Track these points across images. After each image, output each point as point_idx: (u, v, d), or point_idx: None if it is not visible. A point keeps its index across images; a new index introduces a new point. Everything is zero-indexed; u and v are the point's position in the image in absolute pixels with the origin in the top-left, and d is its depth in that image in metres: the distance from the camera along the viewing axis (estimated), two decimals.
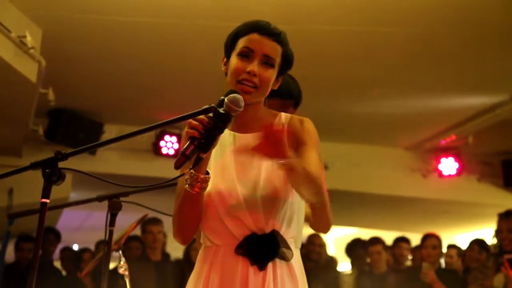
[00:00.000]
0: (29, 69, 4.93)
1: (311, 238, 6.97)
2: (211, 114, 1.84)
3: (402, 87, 6.37)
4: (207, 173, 1.93)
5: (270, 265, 1.97)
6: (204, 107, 1.85)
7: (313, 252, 6.86)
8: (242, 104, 1.84)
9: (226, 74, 2.10)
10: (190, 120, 1.83)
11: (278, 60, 2.06)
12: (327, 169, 7.84)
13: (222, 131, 1.85)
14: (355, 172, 8.15)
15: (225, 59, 2.12)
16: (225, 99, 1.83)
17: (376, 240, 6.84)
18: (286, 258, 2.00)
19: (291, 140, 2.02)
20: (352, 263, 7.23)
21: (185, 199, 1.96)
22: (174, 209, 2.03)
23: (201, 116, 1.84)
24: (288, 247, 2.01)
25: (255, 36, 2.03)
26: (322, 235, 7.09)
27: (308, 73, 5.77)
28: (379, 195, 8.50)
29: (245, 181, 2.00)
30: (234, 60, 2.04)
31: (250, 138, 2.04)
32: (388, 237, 7.76)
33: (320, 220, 2.19)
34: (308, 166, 1.92)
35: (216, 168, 2.03)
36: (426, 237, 6.37)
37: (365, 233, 9.15)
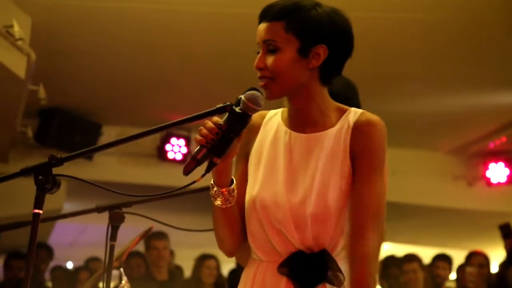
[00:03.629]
0: (16, 63, 4.96)
1: None
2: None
3: (444, 82, 6.35)
4: (232, 182, 1.94)
5: None
6: (218, 106, 1.86)
7: None
8: (261, 102, 1.85)
9: None
10: (201, 127, 1.84)
11: (283, 39, 1.95)
12: None
13: (239, 133, 1.85)
14: (390, 180, 7.95)
15: None
16: (242, 97, 1.84)
17: (411, 258, 6.82)
18: (336, 283, 1.96)
19: (353, 143, 1.99)
20: (384, 283, 7.21)
21: (215, 212, 2.00)
22: None
23: (211, 122, 1.84)
24: (339, 270, 1.97)
25: (259, 27, 2.01)
26: None
27: None
28: (416, 206, 8.47)
29: (294, 189, 1.98)
30: None
31: (304, 140, 2.02)
32: (427, 254, 7.73)
33: None
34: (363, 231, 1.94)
35: (266, 170, 2.02)
36: (472, 255, 6.35)
37: (400, 250, 9.12)
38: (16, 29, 4.71)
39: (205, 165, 1.85)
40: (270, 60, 1.95)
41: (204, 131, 1.83)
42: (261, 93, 1.88)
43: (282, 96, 2.02)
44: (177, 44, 5.57)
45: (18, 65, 4.98)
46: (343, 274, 1.97)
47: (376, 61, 5.83)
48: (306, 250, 1.96)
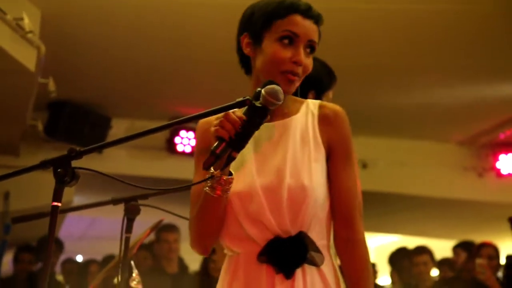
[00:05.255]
0: (26, 56, 4.97)
1: None
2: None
3: (454, 74, 6.33)
4: (230, 174, 1.94)
5: (298, 272, 1.97)
6: (238, 100, 1.86)
7: None
8: (282, 96, 1.85)
9: (249, 56, 2.10)
10: (222, 120, 1.83)
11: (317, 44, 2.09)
12: (367, 168, 7.83)
13: (258, 127, 1.85)
14: (400, 171, 8.11)
15: (248, 38, 2.10)
16: (262, 91, 1.83)
17: (422, 250, 6.83)
18: (316, 263, 2.00)
19: (324, 133, 2.07)
20: (395, 276, 7.21)
21: (205, 204, 1.98)
22: (190, 215, 2.05)
23: (234, 115, 1.83)
24: (318, 250, 2.00)
25: (298, 18, 2.02)
26: None
27: (346, 59, 5.77)
28: (427, 197, 8.46)
29: (266, 172, 2.01)
30: (274, 46, 2.03)
31: (271, 128, 2.06)
32: (437, 246, 7.72)
33: None
34: (347, 200, 2.03)
35: (235, 164, 2.00)
36: (481, 246, 6.33)
37: (410, 242, 9.12)
38: (26, 21, 4.71)
39: None
40: (307, 60, 2.04)
41: (228, 124, 1.82)
42: (279, 86, 1.88)
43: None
44: (190, 36, 5.54)
45: (28, 58, 4.98)
46: (321, 254, 2.01)
47: (386, 53, 5.82)
48: (283, 234, 1.98)
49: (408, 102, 7.07)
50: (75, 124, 7.12)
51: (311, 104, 2.13)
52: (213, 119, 1.97)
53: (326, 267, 2.02)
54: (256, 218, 1.98)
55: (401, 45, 5.67)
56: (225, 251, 2.11)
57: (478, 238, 7.68)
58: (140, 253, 6.39)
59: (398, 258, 7.19)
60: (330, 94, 3.06)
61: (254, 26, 2.08)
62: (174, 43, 5.74)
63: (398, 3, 4.94)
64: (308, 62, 2.05)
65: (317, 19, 2.06)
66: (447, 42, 5.61)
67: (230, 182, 1.92)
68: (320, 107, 2.11)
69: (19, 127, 6.58)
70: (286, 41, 2.02)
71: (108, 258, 7.65)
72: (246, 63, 2.15)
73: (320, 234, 2.03)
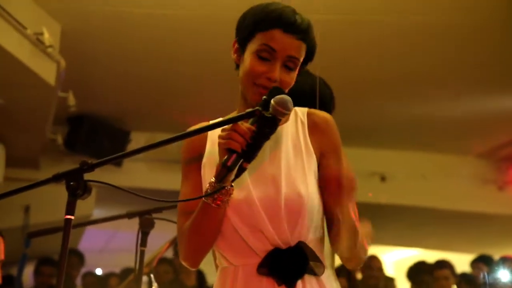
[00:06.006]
0: (46, 70, 5.01)
1: (369, 261, 6.91)
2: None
3: (474, 86, 6.29)
4: (231, 184, 1.91)
5: (299, 282, 1.95)
6: (247, 111, 1.85)
7: (371, 277, 6.81)
8: (291, 106, 1.83)
9: (236, 64, 2.09)
10: (230, 132, 1.82)
11: (301, 59, 2.03)
12: (386, 181, 7.78)
13: (268, 138, 1.84)
14: (419, 184, 8.06)
15: (236, 45, 2.09)
16: (272, 101, 1.82)
17: (443, 264, 6.76)
18: (316, 273, 1.97)
19: (315, 142, 2.05)
20: None
21: (203, 215, 1.94)
22: (183, 227, 2.01)
23: (244, 126, 1.82)
24: (318, 260, 1.98)
25: (278, 33, 1.97)
26: (380, 257, 7.04)
27: (362, 71, 5.76)
28: (446, 210, 8.40)
29: (262, 183, 1.98)
30: (250, 58, 2.00)
31: None
32: (457, 260, 7.65)
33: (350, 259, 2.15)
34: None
35: None
36: (503, 260, 6.26)
37: (429, 256, 9.04)
38: (46, 36, 4.75)
39: None
40: (287, 77, 1.99)
41: (238, 136, 1.81)
42: (286, 94, 1.87)
43: None
44: (206, 50, 5.56)
45: (48, 72, 5.02)
46: (322, 263, 2.00)
47: (405, 64, 5.80)
48: (283, 245, 1.95)
49: (428, 115, 7.03)
50: (94, 138, 7.15)
51: (299, 112, 2.12)
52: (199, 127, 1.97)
53: (325, 277, 2.01)
54: (256, 228, 1.95)
55: (420, 57, 5.65)
56: (218, 262, 2.08)
57: (498, 252, 7.61)
58: (161, 267, 6.39)
59: (418, 272, 7.13)
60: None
61: (241, 33, 2.06)
62: (192, 58, 5.77)
63: (419, 15, 4.92)
64: (288, 78, 1.99)
65: (303, 33, 1.99)
66: (466, 53, 5.59)
67: (231, 193, 1.90)
68: (309, 115, 2.10)
69: (39, 141, 6.62)
70: (263, 54, 1.98)
71: (127, 271, 7.66)
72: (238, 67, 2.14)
73: (318, 243, 2.02)
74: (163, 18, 5.08)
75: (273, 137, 1.96)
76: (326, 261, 2.05)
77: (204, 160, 2.07)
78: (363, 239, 2.02)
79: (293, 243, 1.96)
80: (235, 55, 2.09)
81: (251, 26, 2.02)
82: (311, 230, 1.99)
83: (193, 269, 2.12)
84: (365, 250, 2.06)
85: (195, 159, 2.09)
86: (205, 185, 2.00)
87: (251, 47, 2.01)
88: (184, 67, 5.97)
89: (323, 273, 2.00)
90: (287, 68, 1.99)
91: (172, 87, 6.48)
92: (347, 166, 2.07)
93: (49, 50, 4.86)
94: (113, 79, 6.33)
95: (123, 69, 6.06)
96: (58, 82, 5.24)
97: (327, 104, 2.88)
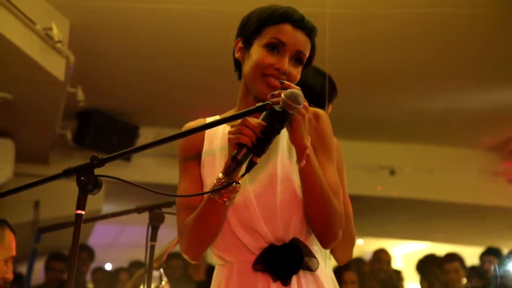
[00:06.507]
0: (56, 66, 5.01)
1: (378, 254, 6.91)
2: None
3: (483, 79, 6.27)
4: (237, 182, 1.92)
5: (293, 278, 1.96)
6: (258, 105, 1.85)
7: (380, 271, 6.81)
8: (302, 100, 1.83)
9: (239, 60, 2.11)
10: (240, 126, 1.82)
11: (307, 56, 2.07)
12: (395, 175, 7.77)
13: (278, 132, 1.84)
14: (428, 177, 8.05)
15: (241, 43, 2.11)
16: (282, 95, 1.81)
17: (452, 257, 6.75)
18: (311, 268, 1.99)
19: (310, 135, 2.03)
20: (425, 283, 7.13)
21: (208, 210, 1.95)
22: (186, 221, 2.02)
23: (254, 122, 1.82)
24: (312, 255, 2.00)
25: (288, 27, 2.01)
26: (389, 250, 7.04)
27: (371, 64, 5.74)
28: (455, 204, 8.38)
29: (258, 180, 1.99)
30: (259, 51, 2.02)
31: None
32: (466, 253, 7.63)
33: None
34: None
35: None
36: None
37: (438, 249, 9.03)
38: (55, 31, 4.75)
39: None
40: (295, 70, 2.03)
41: (248, 130, 1.81)
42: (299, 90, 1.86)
43: None
44: (213, 45, 5.53)
45: (58, 68, 5.02)
46: (316, 259, 2.01)
47: (414, 58, 5.78)
48: (277, 242, 1.97)
49: (436, 108, 7.01)
50: (103, 133, 7.16)
51: None
52: (197, 123, 2.02)
53: (320, 271, 2.02)
54: (250, 226, 1.96)
55: (429, 51, 5.62)
56: (215, 260, 2.10)
57: (507, 245, 7.60)
58: (173, 262, 6.41)
59: (428, 265, 7.11)
60: (330, 107, 3.01)
61: (247, 31, 2.09)
62: (200, 53, 5.76)
63: (422, 8, 4.90)
64: (295, 72, 2.03)
65: (309, 31, 2.05)
66: (475, 46, 5.56)
67: (237, 190, 1.91)
68: None
69: (49, 136, 6.64)
70: (273, 47, 2.01)
71: (135, 264, 7.69)
72: (238, 67, 2.16)
73: (312, 239, 2.03)
74: (172, 13, 5.07)
75: None
76: (320, 257, 2.05)
77: (203, 158, 2.09)
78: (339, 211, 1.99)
79: (287, 239, 1.98)
80: (239, 53, 2.11)
81: (258, 22, 2.05)
82: (305, 228, 2.00)
83: (193, 262, 2.12)
84: (340, 220, 2.00)
85: (193, 157, 2.11)
86: (206, 183, 2.04)
87: (260, 41, 2.03)
88: (192, 62, 5.97)
89: (317, 268, 2.01)
90: (295, 62, 2.03)
91: (180, 82, 6.48)
92: (336, 171, 2.07)
93: (58, 45, 4.86)
94: (121, 74, 6.33)
95: (131, 64, 6.06)
96: (67, 77, 5.25)
97: (320, 96, 2.87)
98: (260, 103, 1.85)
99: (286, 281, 1.95)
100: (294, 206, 1.97)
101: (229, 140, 1.85)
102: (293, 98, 1.81)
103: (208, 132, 2.11)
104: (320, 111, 2.12)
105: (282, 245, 1.97)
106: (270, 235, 1.96)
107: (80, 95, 5.97)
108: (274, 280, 1.95)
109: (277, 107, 1.81)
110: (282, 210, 1.96)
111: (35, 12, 4.70)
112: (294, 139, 1.89)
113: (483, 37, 5.39)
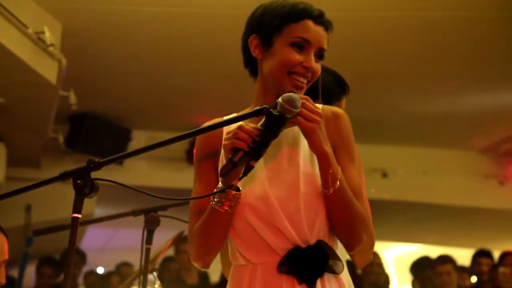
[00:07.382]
0: (48, 69, 5.00)
1: None
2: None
3: (475, 81, 6.29)
4: (238, 189, 1.91)
5: (318, 281, 1.94)
6: (255, 109, 1.85)
7: (371, 274, 6.81)
8: (299, 104, 1.83)
9: (257, 57, 2.07)
10: (235, 131, 1.82)
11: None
12: (387, 177, 7.78)
13: (276, 136, 1.83)
14: (420, 180, 8.06)
15: (257, 40, 2.07)
16: (279, 99, 1.82)
17: (445, 259, 6.75)
18: (336, 271, 1.97)
19: (328, 135, 1.99)
20: (417, 286, 7.15)
21: (211, 218, 1.94)
22: (193, 229, 2.01)
23: (249, 126, 1.82)
24: (337, 258, 1.98)
25: (310, 24, 2.01)
26: (380, 253, 7.05)
27: (364, 67, 5.75)
28: (447, 206, 8.41)
29: (279, 183, 1.97)
30: (286, 50, 2.00)
31: (280, 135, 1.95)
32: (458, 255, 7.65)
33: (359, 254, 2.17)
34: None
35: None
36: (505, 255, 6.26)
37: (431, 251, 9.05)
38: (48, 35, 4.75)
39: None
40: (318, 67, 2.03)
41: (243, 134, 1.81)
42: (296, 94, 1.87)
43: None
44: (209, 48, 5.54)
45: (50, 71, 5.02)
46: (341, 261, 1.99)
47: (406, 60, 5.79)
48: (302, 243, 1.94)
49: (429, 110, 7.03)
50: (95, 136, 7.15)
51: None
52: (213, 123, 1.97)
53: (343, 274, 2.01)
54: (274, 225, 1.94)
55: (421, 52, 5.64)
56: (231, 259, 2.07)
57: (499, 246, 7.62)
58: (168, 265, 6.41)
59: (421, 267, 7.12)
60: (342, 104, 3.00)
61: (264, 28, 2.04)
62: (193, 57, 5.75)
63: (420, 10, 4.91)
64: (318, 68, 2.04)
65: (327, 26, 2.05)
66: (467, 49, 5.58)
67: (238, 198, 1.90)
68: (323, 110, 2.06)
69: (40, 140, 6.62)
70: (299, 47, 2.00)
71: (121, 265, 7.68)
72: (251, 64, 2.13)
73: (334, 240, 2.02)
74: (164, 17, 5.07)
75: (290, 135, 1.99)
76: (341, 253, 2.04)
77: (221, 156, 2.05)
78: (365, 220, 2.00)
79: (312, 241, 1.95)
80: (256, 51, 2.06)
81: (278, 19, 2.02)
82: (328, 229, 1.99)
83: (204, 269, 2.12)
84: (366, 228, 2.02)
85: (209, 155, 2.08)
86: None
87: (283, 40, 2.01)
88: (185, 65, 5.96)
89: (342, 271, 1.99)
90: (317, 59, 2.04)
91: (173, 86, 6.47)
92: (357, 172, 2.07)
93: (50, 49, 4.86)
94: (114, 77, 6.32)
95: (124, 67, 6.05)
96: (59, 81, 5.24)
97: (331, 90, 2.85)
98: (258, 107, 1.85)
99: (311, 284, 1.92)
100: (318, 208, 1.95)
101: (224, 146, 1.85)
102: (290, 102, 1.81)
103: (226, 129, 2.06)
104: (339, 110, 2.11)
105: (307, 247, 1.94)
106: (295, 236, 1.93)
107: (72, 98, 5.97)
108: (300, 283, 1.92)
109: (274, 111, 1.81)
110: (307, 212, 1.94)
111: (27, 16, 4.69)
112: (312, 147, 1.90)
113: (477, 40, 5.40)
